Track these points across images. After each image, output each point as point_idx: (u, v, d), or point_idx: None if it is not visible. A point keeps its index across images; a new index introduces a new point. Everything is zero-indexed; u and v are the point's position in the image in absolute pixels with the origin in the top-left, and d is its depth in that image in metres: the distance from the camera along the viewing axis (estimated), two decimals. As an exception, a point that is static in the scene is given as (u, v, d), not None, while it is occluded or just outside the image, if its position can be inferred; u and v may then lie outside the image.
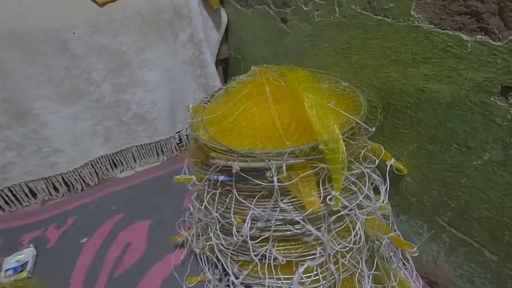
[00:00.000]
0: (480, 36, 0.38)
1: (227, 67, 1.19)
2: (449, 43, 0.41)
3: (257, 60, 0.96)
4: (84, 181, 0.98)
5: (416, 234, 0.56)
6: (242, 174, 0.46)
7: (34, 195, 0.94)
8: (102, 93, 0.92)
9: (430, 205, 0.52)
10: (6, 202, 0.90)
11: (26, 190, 0.92)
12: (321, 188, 0.45)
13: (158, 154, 1.08)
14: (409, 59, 0.47)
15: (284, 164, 0.41)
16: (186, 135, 1.12)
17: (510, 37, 0.35)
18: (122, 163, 1.04)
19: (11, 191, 0.89)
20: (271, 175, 0.44)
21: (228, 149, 0.45)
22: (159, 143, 1.06)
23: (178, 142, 1.11)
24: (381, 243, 0.54)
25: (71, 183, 0.96)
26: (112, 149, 1.00)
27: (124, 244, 0.77)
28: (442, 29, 0.41)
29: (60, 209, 0.91)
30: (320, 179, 0.45)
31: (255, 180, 0.45)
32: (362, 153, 0.51)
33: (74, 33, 0.82)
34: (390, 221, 0.56)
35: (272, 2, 0.78)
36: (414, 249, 0.42)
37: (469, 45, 0.39)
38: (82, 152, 0.95)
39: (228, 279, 0.55)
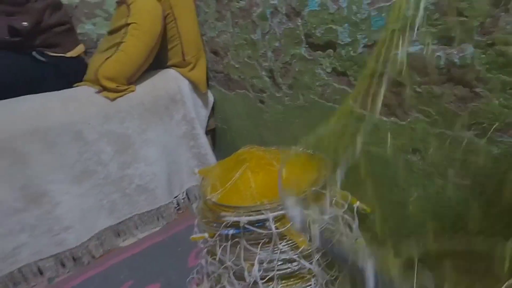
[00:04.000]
0: (392, 118, 0.59)
1: (214, 136, 1.39)
2: (377, 122, 0.62)
3: (241, 130, 1.17)
4: (90, 253, 1.04)
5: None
6: (247, 226, 0.60)
7: (41, 273, 0.98)
8: (109, 171, 1.05)
9: (390, 234, 0.69)
10: (14, 283, 0.93)
11: (35, 270, 0.96)
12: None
13: (158, 219, 1.18)
14: (354, 132, 0.68)
15: (279, 213, 0.57)
16: (183, 199, 1.24)
17: (408, 119, 0.56)
18: (125, 232, 1.12)
19: (21, 272, 0.93)
20: (269, 225, 0.59)
21: (237, 207, 0.60)
22: (159, 209, 1.17)
23: (176, 206, 1.22)
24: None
25: (78, 257, 1.02)
26: (116, 220, 1.10)
27: (138, 309, 0.83)
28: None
29: (68, 285, 0.95)
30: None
31: (258, 230, 0.60)
32: (334, 200, 0.68)
33: (89, 124, 0.98)
34: (365, 252, 0.71)
35: (251, 88, 1.01)
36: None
37: (388, 123, 0.60)
38: (89, 226, 1.04)
39: (242, 323, 0.65)
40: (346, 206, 0.69)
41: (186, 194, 1.26)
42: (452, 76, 0.48)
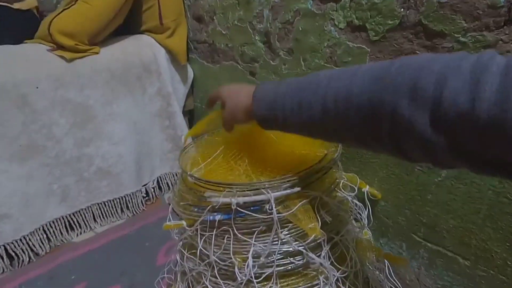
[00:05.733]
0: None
1: (192, 118, 1.23)
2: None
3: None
4: (32, 250, 0.84)
5: (397, 255, 0.61)
6: (241, 210, 0.47)
7: (-37, 275, 0.77)
8: (63, 148, 0.86)
9: (405, 224, 0.59)
10: None
11: (-46, 270, 0.75)
12: (317, 214, 0.48)
13: (122, 211, 1.00)
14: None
15: (284, 192, 0.44)
16: (153, 188, 1.07)
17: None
18: (79, 225, 0.93)
19: None
20: (270, 207, 0.46)
21: (228, 185, 0.46)
22: (123, 198, 0.99)
23: (145, 196, 1.05)
24: (371, 268, 0.58)
25: (15, 254, 0.81)
26: (69, 209, 0.91)
27: (90, 318, 0.66)
28: (392, 75, 0.52)
29: (0, 289, 0.75)
30: (314, 207, 0.48)
31: (255, 215, 0.46)
32: (341, 183, 0.57)
33: (37, 88, 0.79)
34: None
35: (240, 58, 0.87)
36: (408, 262, 0.46)
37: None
38: (33, 215, 0.84)
39: (227, 333, 0.51)
40: (356, 190, 0.58)
41: (158, 182, 1.09)
42: (514, 16, 0.38)
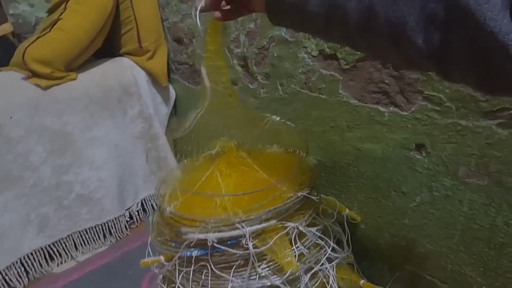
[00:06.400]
0: (392, 108, 0.50)
1: (176, 139, 1.22)
2: (372, 113, 0.53)
3: (208, 130, 1.02)
4: (9, 285, 0.81)
5: (379, 277, 0.61)
6: (217, 245, 0.46)
7: None
8: (40, 177, 0.84)
9: (385, 247, 0.59)
10: None
11: None
12: (294, 247, 0.48)
13: (105, 237, 0.97)
14: (344, 125, 0.58)
15: (259, 226, 0.44)
16: (137, 211, 1.05)
17: (412, 109, 0.47)
18: (60, 254, 0.91)
19: None
20: (246, 242, 0.45)
21: (204, 220, 0.45)
22: (106, 224, 0.97)
23: (128, 219, 1.03)
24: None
25: (-9, 290, 0.78)
26: (48, 240, 0.88)
27: None
28: (364, 103, 0.53)
29: (-27, 329, 0.72)
30: (291, 238, 0.48)
31: (231, 250, 0.46)
32: (321, 208, 0.57)
33: (11, 118, 0.77)
34: (356, 269, 0.60)
35: (220, 80, 0.87)
36: (384, 291, 0.46)
37: (386, 114, 0.51)
38: (9, 249, 0.81)
39: None
40: (335, 215, 0.59)
41: (142, 204, 1.07)
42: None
